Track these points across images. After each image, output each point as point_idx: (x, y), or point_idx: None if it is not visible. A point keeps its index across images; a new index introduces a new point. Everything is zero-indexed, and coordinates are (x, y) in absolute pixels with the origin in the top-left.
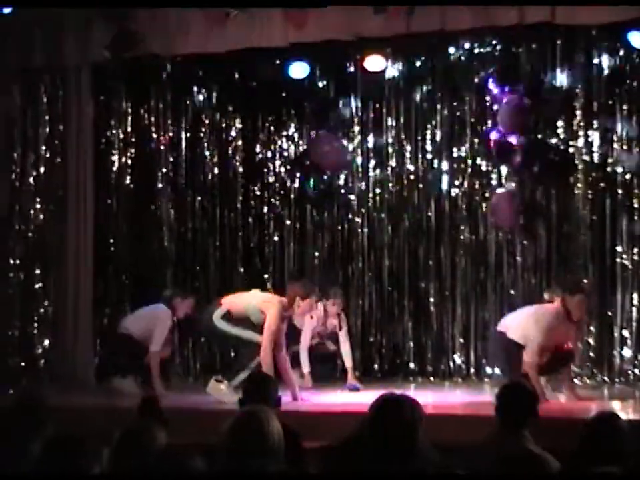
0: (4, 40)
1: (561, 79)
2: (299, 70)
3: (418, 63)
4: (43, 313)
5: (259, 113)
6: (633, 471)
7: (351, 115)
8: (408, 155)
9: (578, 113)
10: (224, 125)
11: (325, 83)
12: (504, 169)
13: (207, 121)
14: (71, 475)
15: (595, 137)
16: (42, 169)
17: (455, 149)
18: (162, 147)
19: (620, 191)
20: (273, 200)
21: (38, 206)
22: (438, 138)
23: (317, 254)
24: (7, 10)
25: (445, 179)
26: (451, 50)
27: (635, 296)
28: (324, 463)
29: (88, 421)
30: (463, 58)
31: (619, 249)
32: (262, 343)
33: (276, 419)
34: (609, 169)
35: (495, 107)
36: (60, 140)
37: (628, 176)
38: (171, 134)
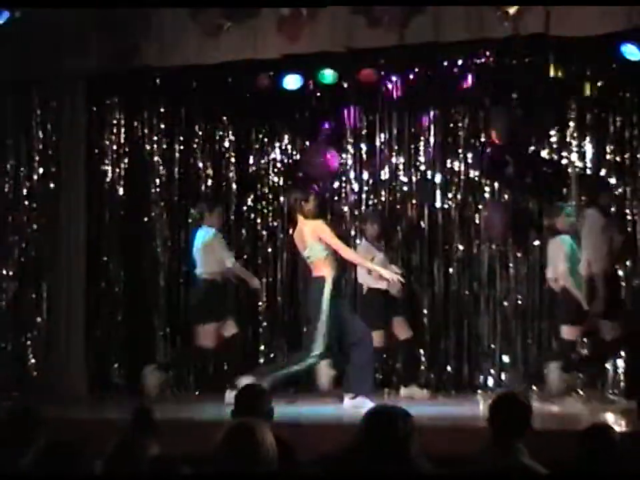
0: None
1: (554, 90)
2: (292, 81)
3: (411, 75)
4: (36, 324)
5: (253, 124)
6: None
7: (344, 126)
8: (401, 166)
9: (571, 124)
10: (217, 136)
11: (318, 94)
12: (497, 181)
13: (200, 132)
14: None
15: (587, 148)
16: (35, 180)
17: (448, 161)
18: (155, 158)
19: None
20: (266, 211)
21: (31, 217)
22: (431, 150)
23: None
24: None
25: (437, 190)
26: (445, 62)
27: None
28: (317, 475)
29: (81, 433)
30: (456, 70)
31: None
32: (341, 253)
33: (268, 431)
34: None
35: (487, 120)
36: (53, 151)
37: (621, 189)
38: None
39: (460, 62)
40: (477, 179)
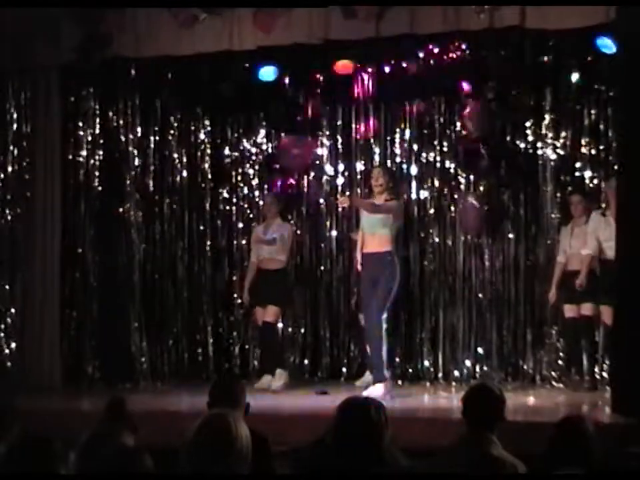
0: None
1: (530, 83)
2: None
3: (387, 67)
4: (10, 314)
5: (228, 116)
6: (598, 474)
7: (320, 118)
8: (377, 157)
9: (546, 116)
10: (192, 127)
11: (294, 86)
12: (472, 173)
13: (175, 123)
14: (37, 475)
15: (562, 140)
16: (9, 171)
17: (424, 152)
18: (130, 149)
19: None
20: (241, 202)
21: (5, 208)
22: (407, 141)
23: None
24: None
25: (413, 182)
26: (420, 54)
27: None
28: (291, 466)
29: (54, 424)
30: (432, 62)
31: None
32: None
33: (243, 422)
34: (577, 173)
35: (463, 111)
36: (28, 141)
37: (596, 180)
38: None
39: (435, 53)
40: (452, 170)
